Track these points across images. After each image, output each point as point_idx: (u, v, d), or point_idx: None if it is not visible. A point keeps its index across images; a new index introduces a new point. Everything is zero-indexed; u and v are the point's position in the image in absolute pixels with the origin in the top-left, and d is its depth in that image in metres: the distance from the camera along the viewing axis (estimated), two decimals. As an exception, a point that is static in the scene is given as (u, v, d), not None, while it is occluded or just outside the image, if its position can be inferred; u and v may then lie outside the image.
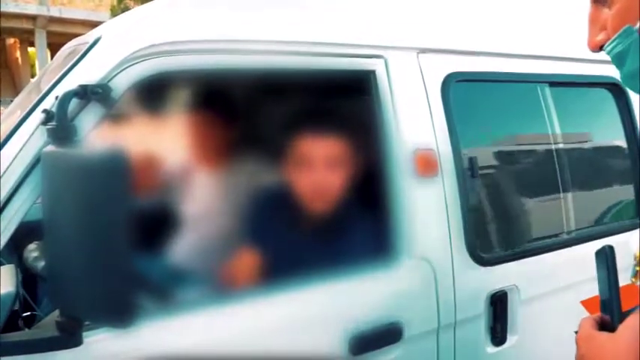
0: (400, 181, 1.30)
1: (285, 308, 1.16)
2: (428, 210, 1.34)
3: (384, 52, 1.34)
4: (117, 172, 0.83)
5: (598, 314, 0.75)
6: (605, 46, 0.71)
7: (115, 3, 10.53)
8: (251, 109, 1.35)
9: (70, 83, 1.01)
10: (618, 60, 0.70)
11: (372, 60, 1.32)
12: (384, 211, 1.30)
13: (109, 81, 1.03)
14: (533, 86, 1.65)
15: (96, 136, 1.00)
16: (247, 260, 1.27)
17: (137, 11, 1.28)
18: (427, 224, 1.33)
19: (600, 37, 0.72)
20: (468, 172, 1.41)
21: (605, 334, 0.70)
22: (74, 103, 0.98)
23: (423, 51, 1.41)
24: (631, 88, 0.75)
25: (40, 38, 16.37)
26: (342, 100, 1.33)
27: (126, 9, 10.05)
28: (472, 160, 1.43)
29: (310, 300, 1.19)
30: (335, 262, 1.23)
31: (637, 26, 0.67)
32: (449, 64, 1.45)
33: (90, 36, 1.25)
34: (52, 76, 1.13)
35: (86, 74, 1.03)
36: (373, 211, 1.31)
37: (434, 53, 1.43)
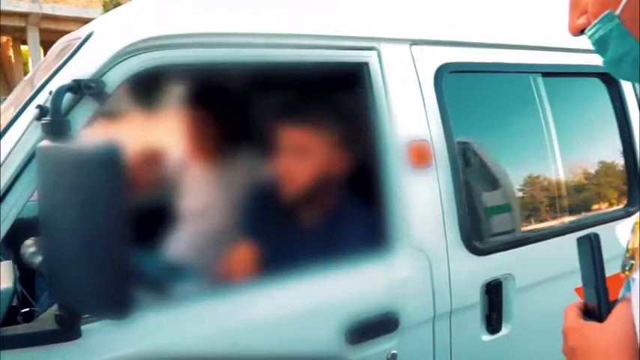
0: (394, 172, 1.31)
1: (282, 299, 1.17)
2: (422, 200, 1.35)
3: (377, 43, 1.34)
4: (111, 166, 0.83)
5: (581, 301, 0.74)
6: (586, 30, 0.69)
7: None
8: (244, 102, 1.35)
9: (63, 78, 1.01)
10: (600, 45, 0.69)
11: (364, 52, 1.32)
12: (378, 202, 1.31)
13: (102, 75, 1.04)
14: (526, 76, 1.66)
15: (90, 130, 1.00)
16: (244, 253, 1.28)
17: (129, 6, 1.28)
18: (422, 214, 1.35)
19: (581, 20, 0.70)
20: (461, 162, 1.42)
21: (594, 325, 0.68)
22: (68, 97, 0.98)
23: (416, 42, 1.42)
24: (615, 75, 0.74)
25: (33, 36, 16.27)
26: (335, 93, 1.33)
27: (118, 5, 9.98)
28: (466, 150, 1.44)
29: (306, 291, 1.20)
30: (330, 253, 1.24)
31: (618, 11, 0.66)
32: (442, 55, 1.46)
33: (82, 31, 1.25)
34: (45, 72, 1.13)
35: (79, 69, 1.04)
36: (368, 201, 1.32)
37: (426, 45, 1.44)
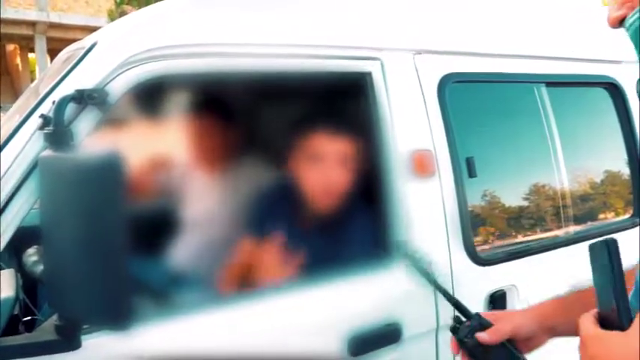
0: (398, 182, 1.30)
1: (284, 310, 1.17)
2: (426, 210, 1.34)
3: (380, 53, 1.34)
4: (113, 176, 0.83)
5: (595, 310, 0.73)
6: (627, 19, 0.66)
7: (113, 8, 10.53)
8: (247, 112, 1.35)
9: (66, 88, 1.01)
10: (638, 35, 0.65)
11: (368, 62, 1.32)
12: (381, 212, 1.30)
13: (105, 85, 1.04)
14: (530, 86, 1.65)
15: (93, 140, 1.00)
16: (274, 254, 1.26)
17: (133, 16, 1.29)
18: (425, 224, 1.34)
19: (621, 11, 0.67)
20: (465, 172, 1.42)
21: (616, 334, 0.67)
22: (71, 107, 0.98)
23: (419, 52, 1.42)
24: None
25: (40, 44, 16.41)
26: (339, 102, 1.33)
27: (123, 13, 10.05)
28: (469, 160, 1.44)
29: (309, 301, 1.20)
30: (333, 263, 1.23)
31: None
32: (445, 65, 1.46)
33: (87, 41, 1.26)
34: (49, 81, 1.13)
35: (83, 79, 1.04)
36: (371, 211, 1.32)
37: (430, 54, 1.44)
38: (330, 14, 1.34)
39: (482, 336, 0.91)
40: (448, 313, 1.34)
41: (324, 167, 1.29)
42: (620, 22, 0.68)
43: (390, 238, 1.30)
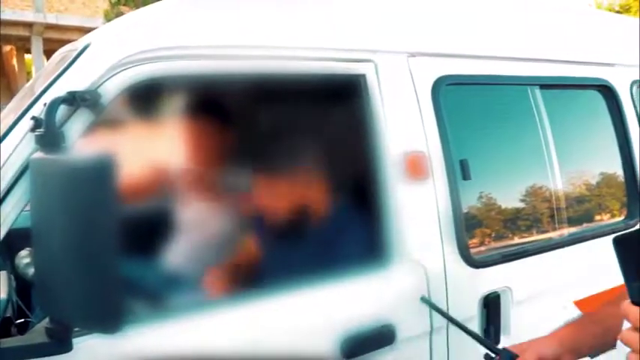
0: (391, 184, 1.30)
1: (277, 312, 1.16)
2: (419, 212, 1.34)
3: (374, 56, 1.34)
4: (104, 178, 0.83)
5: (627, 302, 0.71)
6: None
7: (109, 8, 10.51)
8: (240, 114, 1.35)
9: (58, 90, 1.01)
10: None
11: (361, 64, 1.32)
12: (374, 214, 1.30)
13: (97, 87, 1.03)
14: (524, 88, 1.66)
15: (85, 142, 1.00)
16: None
17: (127, 17, 1.29)
18: (419, 227, 1.34)
19: None
20: (459, 175, 1.42)
21: None
22: (62, 109, 0.98)
23: (413, 54, 1.42)
24: None
25: (37, 45, 16.38)
26: (332, 105, 1.33)
27: (120, 14, 10.04)
28: (463, 163, 1.44)
29: (302, 304, 1.19)
30: (326, 265, 1.23)
31: None
32: (439, 67, 1.46)
33: (80, 42, 1.25)
34: (43, 82, 1.13)
35: (75, 81, 1.04)
36: (364, 214, 1.32)
37: (424, 56, 1.44)
38: (323, 16, 1.34)
39: None
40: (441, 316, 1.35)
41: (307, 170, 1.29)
42: None
43: (384, 241, 1.30)
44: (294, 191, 1.33)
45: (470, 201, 1.49)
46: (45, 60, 15.67)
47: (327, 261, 1.25)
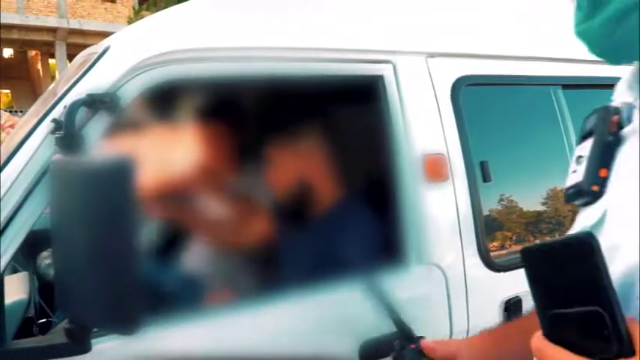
0: (410, 186, 1.29)
1: (295, 315, 1.16)
2: (439, 215, 1.32)
3: (392, 56, 1.33)
4: (123, 181, 0.83)
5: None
6: None
7: (132, 15, 10.70)
8: (260, 116, 1.35)
9: (78, 92, 1.02)
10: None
11: (380, 65, 1.31)
12: (394, 216, 1.29)
13: (117, 90, 1.04)
14: (546, 89, 1.63)
15: (104, 144, 1.01)
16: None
17: (146, 20, 1.30)
18: (438, 229, 1.32)
19: None
20: (479, 177, 1.40)
21: None
22: (82, 112, 0.99)
23: (432, 55, 1.40)
24: (600, 42, 0.59)
25: (60, 50, 16.71)
26: (351, 106, 1.32)
27: (142, 19, 10.18)
28: (484, 165, 1.41)
29: (320, 306, 1.19)
30: (344, 268, 1.22)
31: None
32: (458, 67, 1.44)
33: (100, 46, 1.27)
34: (64, 85, 1.14)
35: (95, 83, 1.05)
36: (383, 216, 1.30)
37: (443, 57, 1.42)
38: (341, 17, 1.34)
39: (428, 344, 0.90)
40: (462, 319, 1.33)
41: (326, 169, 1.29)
42: None
43: (402, 243, 1.29)
44: (310, 193, 1.32)
45: (490, 203, 1.47)
46: (68, 64, 15.97)
47: (345, 263, 1.24)
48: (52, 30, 16.30)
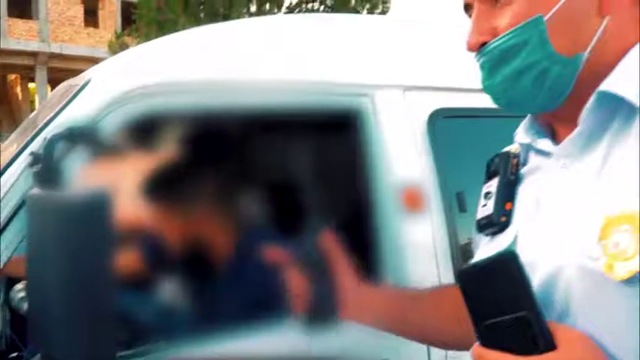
0: (387, 217, 1.31)
1: (273, 344, 1.16)
2: (415, 245, 1.34)
3: (370, 90, 1.36)
4: (99, 216, 0.83)
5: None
6: (501, 36, 0.67)
7: (113, 39, 10.73)
8: (237, 148, 1.36)
9: (58, 126, 1.03)
10: (505, 55, 0.67)
11: (357, 98, 1.34)
12: (371, 247, 1.30)
13: (97, 123, 1.05)
14: (519, 121, 1.67)
15: (83, 177, 1.01)
16: None
17: (127, 53, 1.32)
18: (415, 260, 1.34)
19: (485, 37, 0.69)
20: (456, 207, 1.42)
21: (550, 357, 0.56)
22: (61, 145, 0.99)
23: (409, 88, 1.44)
24: (500, 95, 0.72)
25: (41, 74, 16.62)
26: (328, 139, 1.34)
27: (123, 45, 10.23)
28: (460, 195, 1.44)
29: (297, 336, 1.18)
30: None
31: (548, 16, 0.65)
32: (435, 100, 1.48)
33: (81, 78, 1.28)
34: (46, 115, 1.15)
35: (75, 116, 1.06)
36: (359, 247, 1.32)
37: (420, 90, 1.46)
38: (318, 50, 1.37)
39: None
40: (439, 351, 1.33)
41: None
42: (481, 45, 0.71)
43: (379, 273, 1.30)
44: (288, 226, 1.33)
45: (467, 233, 1.49)
46: (49, 88, 15.87)
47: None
48: (33, 54, 16.23)
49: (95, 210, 0.83)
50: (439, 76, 1.53)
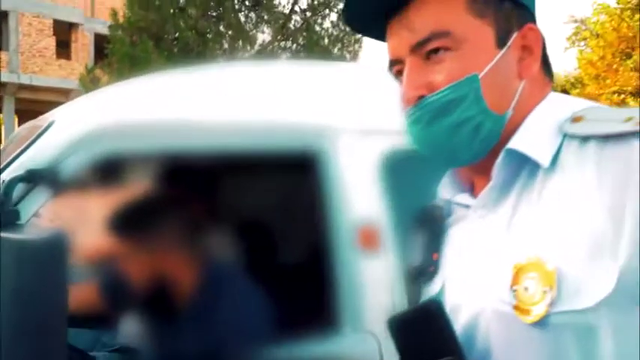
0: (343, 256, 1.35)
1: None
2: (372, 283, 1.38)
3: (327, 131, 1.42)
4: (57, 257, 0.85)
5: None
6: (435, 93, 0.71)
7: (85, 72, 10.68)
8: (199, 188, 1.40)
9: (18, 168, 1.05)
10: (443, 109, 0.70)
11: (314, 139, 1.40)
12: (327, 286, 1.34)
13: (57, 164, 1.08)
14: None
15: (41, 218, 1.03)
16: None
17: (91, 95, 1.35)
18: (371, 298, 1.37)
19: (421, 92, 0.73)
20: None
21: None
22: (20, 187, 1.01)
23: (365, 131, 1.51)
24: (440, 147, 0.75)
25: (8, 105, 16.35)
26: (283, 180, 1.39)
27: (94, 79, 10.19)
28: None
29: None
30: (278, 336, 1.25)
31: (482, 74, 0.70)
32: (391, 142, 1.54)
33: (45, 119, 1.30)
34: (6, 157, 1.16)
35: (35, 158, 1.08)
36: (315, 284, 1.35)
37: (376, 133, 1.53)
38: (274, 92, 1.43)
39: None
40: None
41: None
42: (417, 99, 0.74)
43: (336, 312, 1.33)
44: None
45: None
46: (16, 119, 15.61)
47: (280, 332, 1.27)
48: (2, 85, 15.99)
49: (52, 252, 0.85)
50: (394, 120, 1.60)
